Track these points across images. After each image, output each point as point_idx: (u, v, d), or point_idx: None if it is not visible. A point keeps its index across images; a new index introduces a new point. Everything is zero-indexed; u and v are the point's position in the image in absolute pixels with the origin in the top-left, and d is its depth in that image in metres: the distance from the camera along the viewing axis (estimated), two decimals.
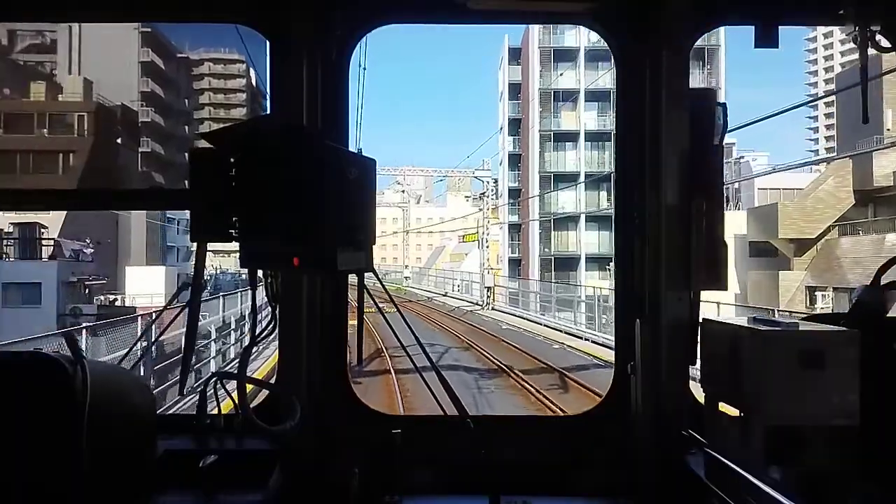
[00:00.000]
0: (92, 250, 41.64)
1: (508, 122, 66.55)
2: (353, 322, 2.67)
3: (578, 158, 61.26)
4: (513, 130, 66.97)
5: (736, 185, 52.80)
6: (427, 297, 55.79)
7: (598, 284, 35.85)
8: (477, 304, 45.82)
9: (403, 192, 64.88)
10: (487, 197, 48.47)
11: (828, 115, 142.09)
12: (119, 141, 52.84)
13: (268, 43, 2.99)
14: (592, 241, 59.60)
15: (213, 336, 20.32)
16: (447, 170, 48.44)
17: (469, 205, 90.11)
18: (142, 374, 12.61)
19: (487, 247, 47.52)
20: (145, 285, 39.74)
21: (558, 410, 16.29)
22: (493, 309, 43.45)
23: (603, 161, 60.22)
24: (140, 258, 51.57)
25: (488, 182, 47.77)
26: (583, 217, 59.05)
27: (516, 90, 66.62)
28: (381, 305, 2.96)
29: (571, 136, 61.17)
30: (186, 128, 66.10)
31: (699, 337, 2.67)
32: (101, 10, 3.36)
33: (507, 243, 64.31)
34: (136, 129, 56.41)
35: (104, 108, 51.25)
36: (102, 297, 40.59)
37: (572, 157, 61.84)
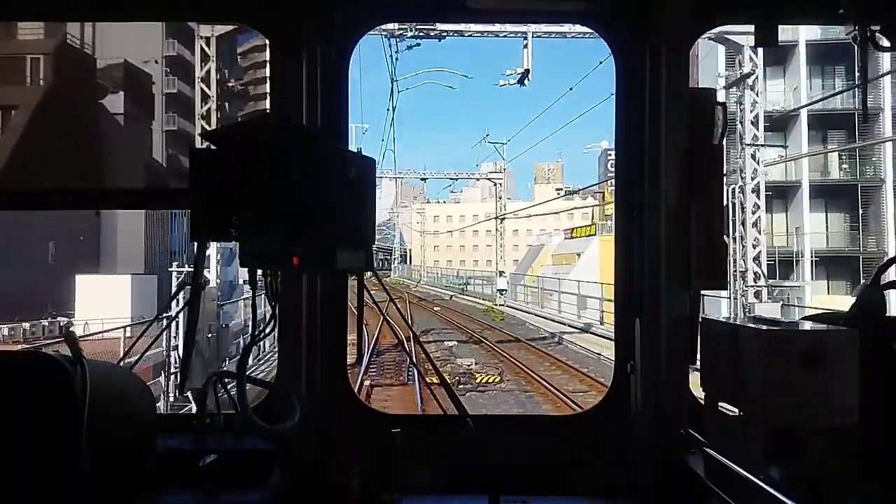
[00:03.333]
0: None
1: None
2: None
3: (794, 89, 36.53)
4: None
5: None
6: (552, 335, 29.08)
7: (834, 303, 19.35)
8: None
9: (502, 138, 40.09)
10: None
11: None
12: (118, 106, 42.38)
13: (267, 42, 3.00)
14: (821, 227, 36.83)
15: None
16: None
17: (560, 200, 69.21)
18: None
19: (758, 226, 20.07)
20: (100, 302, 27.16)
21: None
22: None
23: (828, 86, 37.17)
24: (135, 262, 40.04)
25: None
26: (805, 187, 35.87)
27: None
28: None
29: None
30: (228, 105, 58.73)
31: (699, 336, 2.68)
32: (100, 10, 3.37)
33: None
34: (149, 97, 47.06)
35: (78, 52, 38.82)
36: None
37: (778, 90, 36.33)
